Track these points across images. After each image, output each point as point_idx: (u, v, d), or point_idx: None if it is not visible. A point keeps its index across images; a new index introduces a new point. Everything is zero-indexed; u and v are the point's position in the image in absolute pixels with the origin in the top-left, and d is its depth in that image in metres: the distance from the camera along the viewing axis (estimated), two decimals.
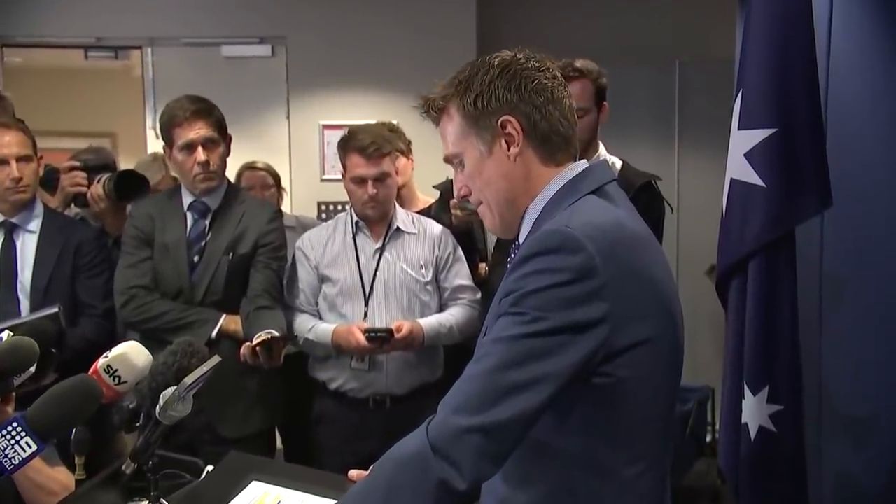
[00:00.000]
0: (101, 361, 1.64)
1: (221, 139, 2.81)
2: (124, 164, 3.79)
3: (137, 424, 1.59)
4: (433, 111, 1.51)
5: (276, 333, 2.59)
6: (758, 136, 2.39)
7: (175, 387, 1.55)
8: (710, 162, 4.65)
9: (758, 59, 2.42)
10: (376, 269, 2.87)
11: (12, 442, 1.37)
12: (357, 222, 2.92)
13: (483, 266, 3.15)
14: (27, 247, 2.79)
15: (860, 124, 2.62)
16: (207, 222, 2.82)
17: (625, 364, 1.33)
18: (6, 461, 1.37)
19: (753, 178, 2.40)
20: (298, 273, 2.92)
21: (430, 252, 2.93)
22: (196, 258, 2.79)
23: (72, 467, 1.68)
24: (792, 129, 2.37)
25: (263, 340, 2.55)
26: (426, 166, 3.51)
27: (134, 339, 1.90)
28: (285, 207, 4.10)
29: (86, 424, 1.59)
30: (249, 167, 3.83)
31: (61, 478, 1.87)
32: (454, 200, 2.88)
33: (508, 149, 1.44)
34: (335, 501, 1.50)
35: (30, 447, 1.38)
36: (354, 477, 1.58)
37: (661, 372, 1.39)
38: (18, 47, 5.48)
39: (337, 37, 5.20)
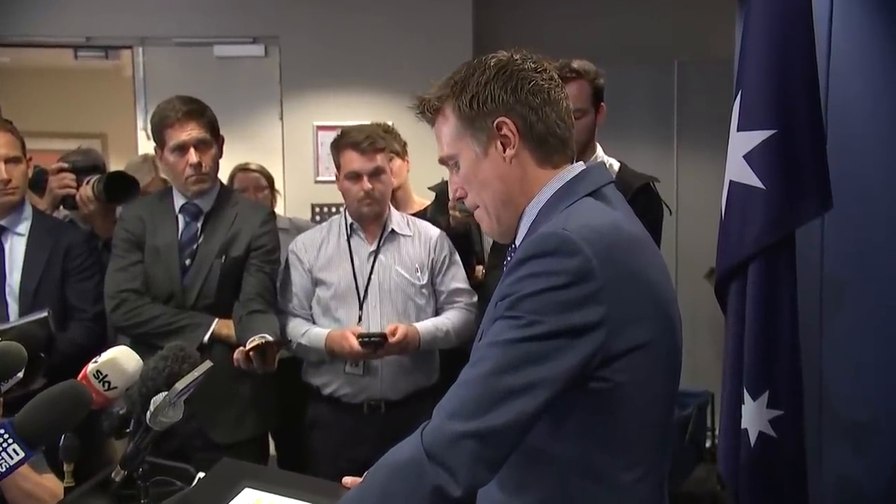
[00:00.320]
0: (91, 366, 1.61)
1: (214, 140, 2.79)
2: (115, 165, 3.77)
3: (127, 431, 1.58)
4: (428, 112, 1.50)
5: (269, 338, 2.55)
6: (757, 137, 2.38)
7: (166, 392, 1.53)
8: (710, 163, 4.65)
9: (757, 60, 2.41)
10: (371, 272, 2.84)
11: None
12: (351, 224, 2.90)
13: (480, 269, 3.13)
14: (16, 249, 2.75)
15: (861, 125, 2.61)
16: (199, 225, 2.79)
17: (622, 368, 1.31)
18: None
19: (753, 181, 2.39)
20: (292, 276, 2.89)
21: (426, 255, 2.90)
22: (188, 261, 2.76)
23: (60, 475, 1.66)
24: (792, 131, 2.36)
25: (257, 345, 2.52)
26: (421, 168, 3.49)
27: (124, 344, 1.87)
28: (279, 209, 4.08)
29: (75, 431, 1.57)
30: (242, 169, 3.80)
31: (50, 485, 1.85)
32: (452, 202, 2.85)
33: (504, 150, 1.43)
34: None
35: (17, 454, 1.35)
36: (348, 483, 1.58)
37: (659, 376, 1.38)
38: (6, 46, 5.44)
39: (331, 37, 5.17)
